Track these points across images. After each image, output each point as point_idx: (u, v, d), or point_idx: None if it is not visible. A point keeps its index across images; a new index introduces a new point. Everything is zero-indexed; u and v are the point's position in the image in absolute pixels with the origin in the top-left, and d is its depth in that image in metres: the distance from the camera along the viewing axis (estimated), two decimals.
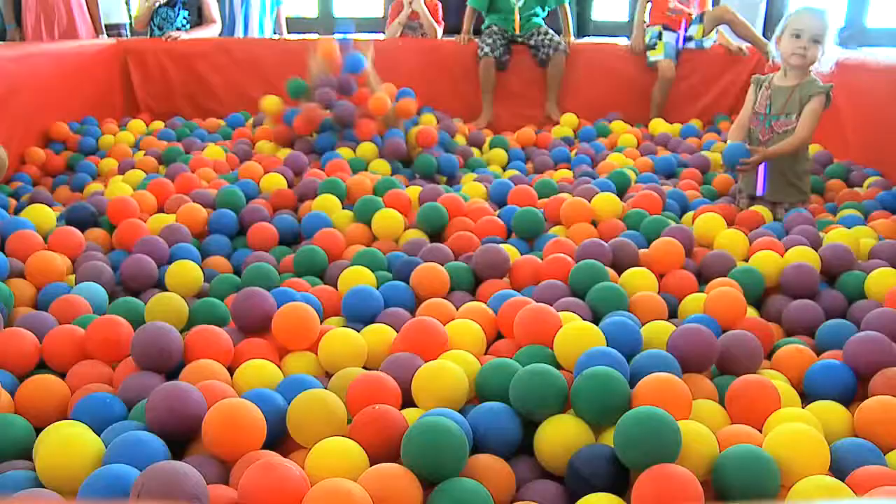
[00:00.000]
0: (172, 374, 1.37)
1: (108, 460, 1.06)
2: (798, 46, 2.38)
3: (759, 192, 2.45)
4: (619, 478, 1.08)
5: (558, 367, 1.31)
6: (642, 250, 1.92)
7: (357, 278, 1.77)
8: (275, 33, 4.71)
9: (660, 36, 3.92)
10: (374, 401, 1.18)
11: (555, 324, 1.40)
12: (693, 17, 3.93)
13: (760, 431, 1.18)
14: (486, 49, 3.89)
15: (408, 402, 1.28)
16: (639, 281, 1.73)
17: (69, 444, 1.08)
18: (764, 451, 1.07)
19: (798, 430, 1.10)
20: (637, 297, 1.66)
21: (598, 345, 1.31)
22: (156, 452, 1.07)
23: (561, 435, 1.15)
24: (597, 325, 1.39)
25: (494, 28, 3.97)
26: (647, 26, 4.01)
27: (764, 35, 3.91)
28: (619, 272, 1.80)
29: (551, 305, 1.49)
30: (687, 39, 3.95)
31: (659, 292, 1.74)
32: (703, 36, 3.97)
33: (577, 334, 1.33)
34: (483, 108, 3.97)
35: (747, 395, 1.24)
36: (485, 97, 3.96)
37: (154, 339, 1.36)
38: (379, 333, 1.48)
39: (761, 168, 2.42)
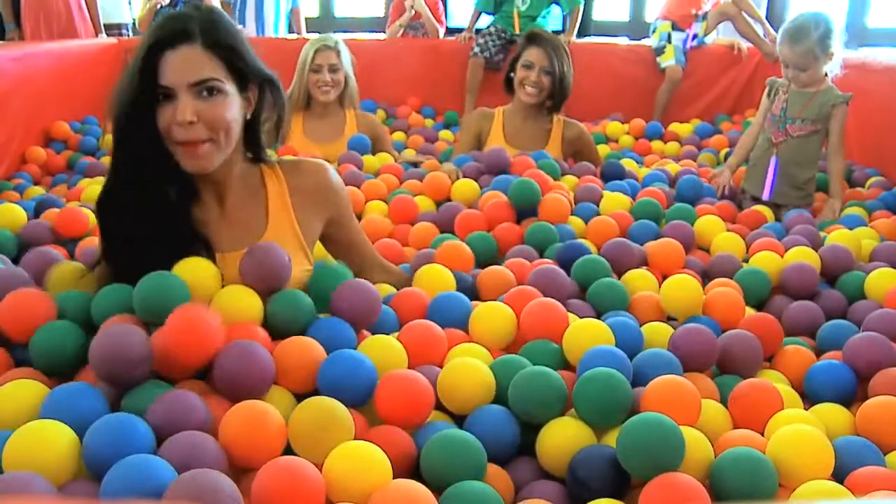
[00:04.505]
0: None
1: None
2: (787, 75, 2.40)
3: (765, 196, 2.45)
4: (618, 480, 1.06)
5: (566, 363, 1.30)
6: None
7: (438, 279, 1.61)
8: (291, 33, 4.68)
9: (669, 38, 3.91)
10: (403, 400, 1.15)
11: (562, 319, 1.38)
12: (700, 15, 3.92)
13: (762, 434, 1.18)
14: (477, 49, 3.90)
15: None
16: (639, 281, 1.73)
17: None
18: (760, 453, 1.06)
19: (802, 432, 1.09)
20: (637, 297, 1.65)
21: (608, 342, 1.30)
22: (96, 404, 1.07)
23: (563, 437, 1.13)
24: None
25: (492, 28, 3.97)
26: (656, 19, 4.00)
27: (766, 34, 3.90)
28: (622, 271, 1.79)
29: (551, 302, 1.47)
30: (693, 38, 3.95)
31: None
32: (705, 34, 3.97)
33: (586, 331, 1.32)
34: (465, 107, 3.97)
35: (750, 397, 1.23)
36: (468, 96, 3.98)
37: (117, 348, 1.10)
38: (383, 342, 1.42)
39: (770, 172, 2.41)
